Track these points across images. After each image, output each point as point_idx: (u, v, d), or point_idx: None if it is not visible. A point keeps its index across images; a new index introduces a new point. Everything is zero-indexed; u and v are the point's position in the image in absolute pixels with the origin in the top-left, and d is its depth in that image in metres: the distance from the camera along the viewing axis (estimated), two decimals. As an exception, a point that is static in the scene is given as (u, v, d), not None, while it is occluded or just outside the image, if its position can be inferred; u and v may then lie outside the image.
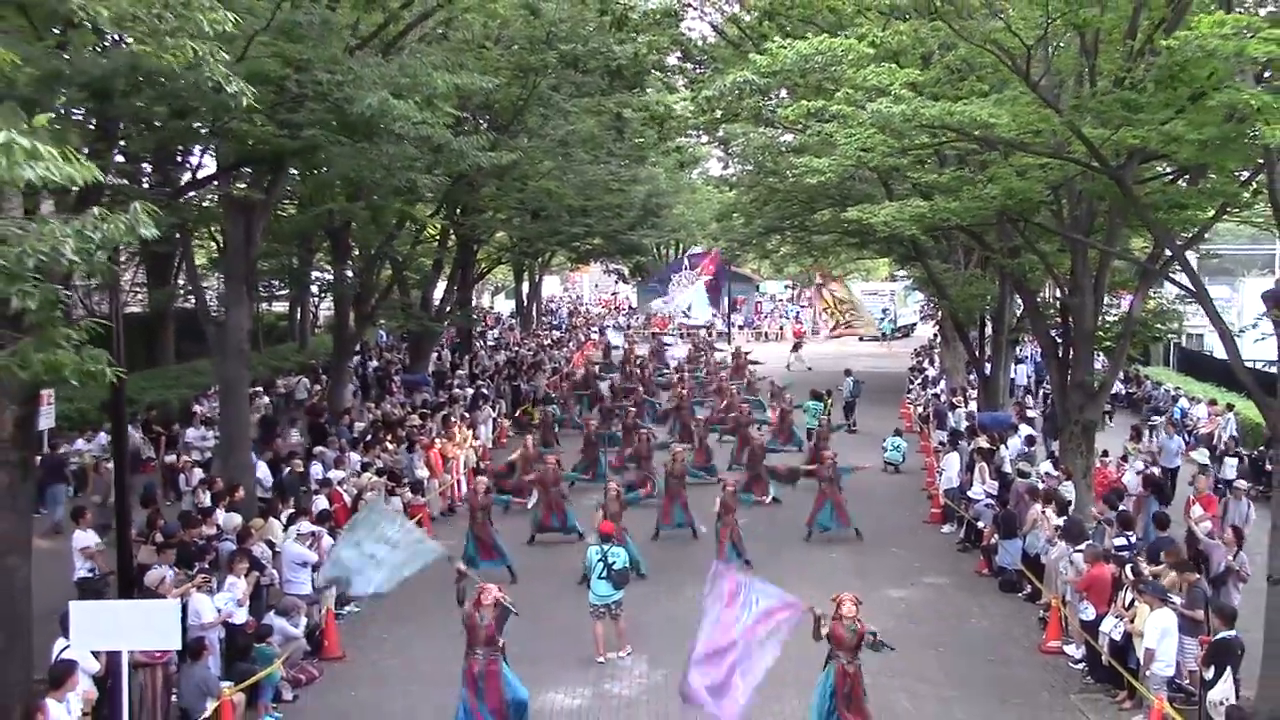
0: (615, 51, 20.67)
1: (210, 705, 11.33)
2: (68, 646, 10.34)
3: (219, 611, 12.75)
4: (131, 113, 11.03)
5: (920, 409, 32.93)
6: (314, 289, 37.57)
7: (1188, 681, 12.40)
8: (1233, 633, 11.50)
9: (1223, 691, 11.13)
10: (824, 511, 20.01)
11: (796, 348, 49.09)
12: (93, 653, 10.57)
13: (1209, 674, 11.32)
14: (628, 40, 20.12)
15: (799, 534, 20.21)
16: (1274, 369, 14.22)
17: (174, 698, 11.91)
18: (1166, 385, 35.41)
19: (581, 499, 21.85)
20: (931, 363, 42.84)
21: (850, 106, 11.56)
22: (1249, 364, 13.36)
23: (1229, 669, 11.23)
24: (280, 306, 47.78)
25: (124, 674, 9.93)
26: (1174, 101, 11.05)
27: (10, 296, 6.28)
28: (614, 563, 14.22)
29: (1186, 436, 26.68)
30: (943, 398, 32.24)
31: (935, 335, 47.07)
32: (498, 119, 27.64)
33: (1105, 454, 20.34)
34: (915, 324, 64.88)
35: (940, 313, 34.26)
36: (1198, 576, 13.04)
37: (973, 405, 28.74)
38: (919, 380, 38.85)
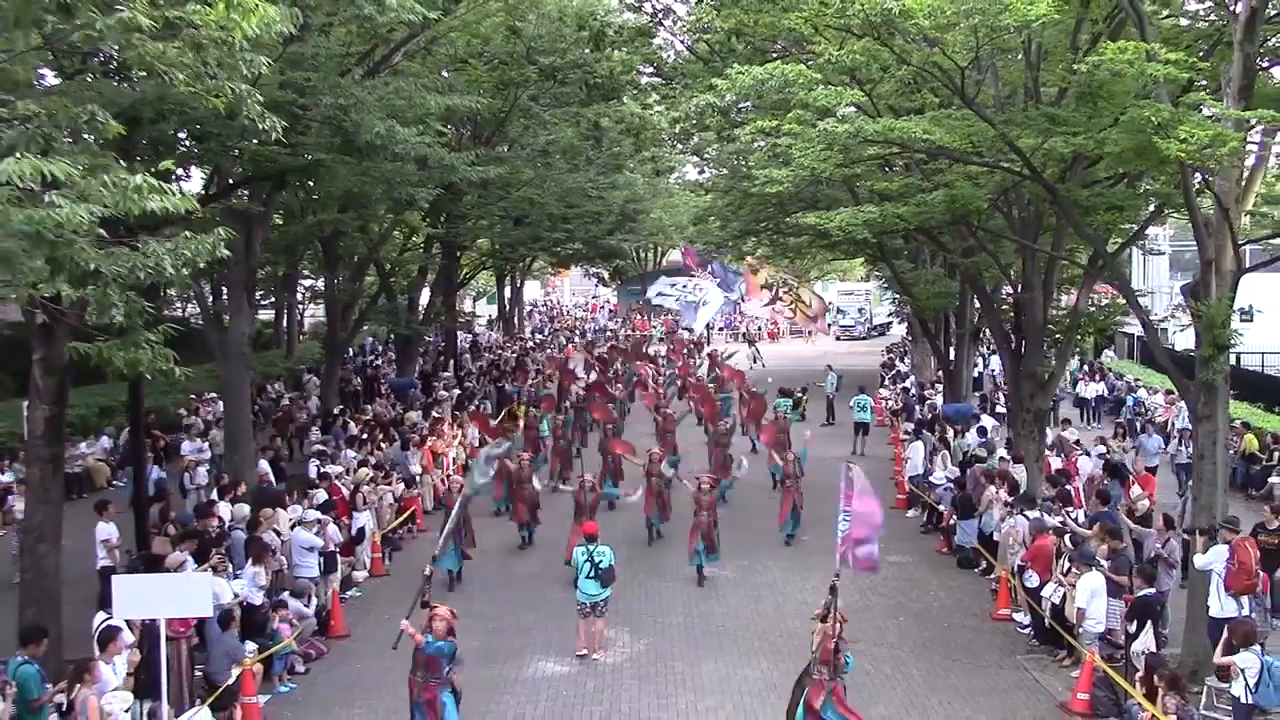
0: (593, 66, 21.79)
1: (235, 672, 12.46)
2: (107, 619, 11.45)
3: (235, 595, 13.86)
4: (156, 138, 12.18)
5: (890, 403, 34.29)
6: (304, 295, 38.45)
7: (1121, 639, 13.67)
8: (1152, 591, 12.83)
9: (1144, 643, 12.46)
10: (790, 516, 20.27)
11: (752, 343, 50.72)
12: (127, 623, 11.67)
13: (1132, 628, 12.63)
14: (603, 59, 21.24)
15: (768, 523, 21.19)
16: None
17: (198, 670, 13.03)
18: (1128, 377, 36.92)
19: (556, 501, 21.70)
20: (902, 359, 44.25)
21: (800, 125, 12.79)
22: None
23: (1150, 623, 12.55)
24: (264, 314, 48.65)
25: (162, 639, 11.07)
26: (1095, 115, 12.33)
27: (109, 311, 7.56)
28: (600, 561, 14.53)
29: (1141, 424, 28.10)
30: (912, 392, 33.62)
31: (907, 333, 48.45)
32: (481, 130, 28.81)
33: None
34: (890, 323, 66.10)
35: (909, 311, 35.65)
36: (1124, 545, 14.33)
37: (939, 398, 30.13)
38: (890, 375, 40.26)
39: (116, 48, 7.40)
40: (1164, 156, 10.90)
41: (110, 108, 10.48)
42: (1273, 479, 22.49)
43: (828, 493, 22.03)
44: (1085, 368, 39.32)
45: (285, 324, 45.77)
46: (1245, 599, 12.48)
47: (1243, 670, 10.98)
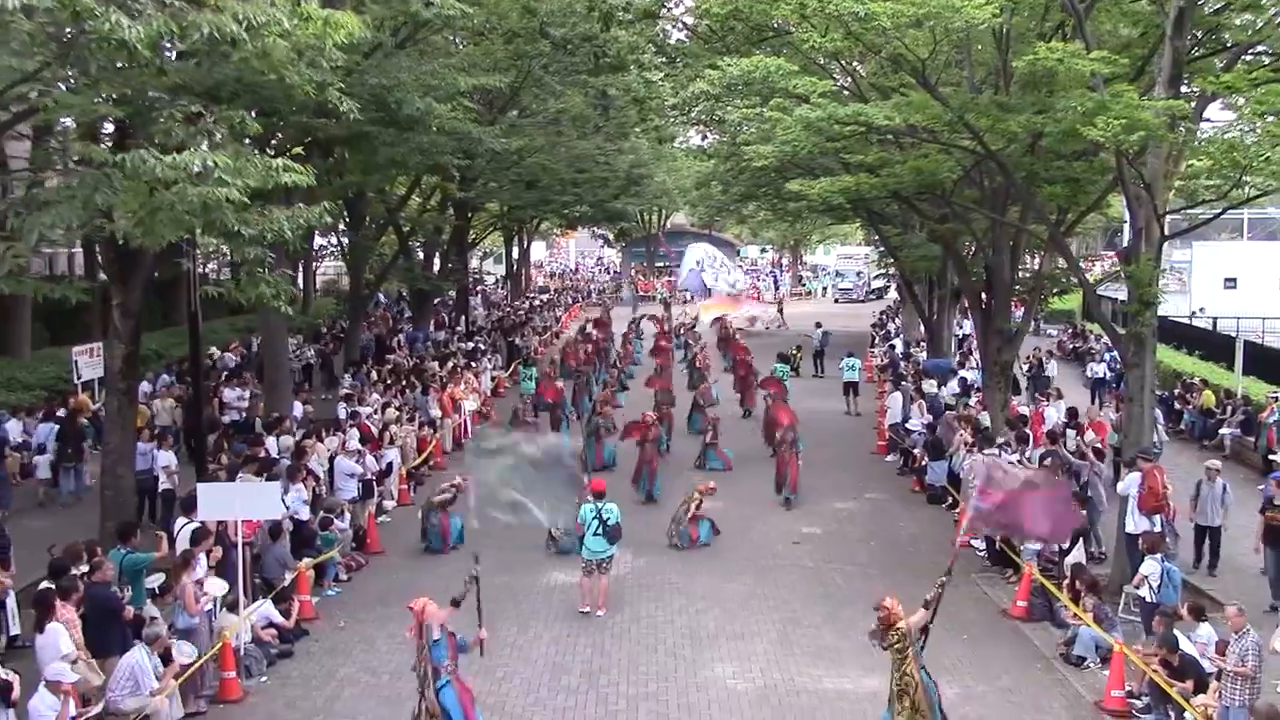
0: (602, 44, 23.55)
1: (290, 576, 14.55)
2: (187, 523, 13.49)
3: (286, 508, 15.89)
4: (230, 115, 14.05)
5: (878, 361, 36.32)
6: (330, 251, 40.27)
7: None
8: (1082, 512, 14.86)
9: (1075, 556, 14.51)
10: (787, 480, 20.61)
11: (779, 309, 52.60)
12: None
13: (1065, 544, 14.67)
14: (611, 41, 23.03)
15: (760, 472, 22.73)
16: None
17: (255, 578, 15.10)
18: (1105, 339, 38.75)
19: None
20: (893, 320, 46.24)
21: (779, 112, 14.66)
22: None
23: (1080, 540, 14.60)
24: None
25: (239, 540, 13.15)
26: (1038, 102, 14.24)
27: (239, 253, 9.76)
28: (608, 519, 14.77)
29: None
30: (898, 349, 35.63)
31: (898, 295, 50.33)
32: (496, 100, 30.61)
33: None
34: (887, 286, 67.90)
35: (897, 274, 37.58)
36: (1060, 477, 16.29)
37: (924, 355, 32.18)
38: (881, 335, 42.30)
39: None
40: (1086, 139, 12.80)
41: (196, 87, 12.48)
42: (1223, 430, 24.46)
43: (814, 437, 24.16)
44: (1070, 331, 41.29)
45: (301, 281, 47.73)
46: (1156, 518, 14.51)
47: (1146, 576, 13.03)
